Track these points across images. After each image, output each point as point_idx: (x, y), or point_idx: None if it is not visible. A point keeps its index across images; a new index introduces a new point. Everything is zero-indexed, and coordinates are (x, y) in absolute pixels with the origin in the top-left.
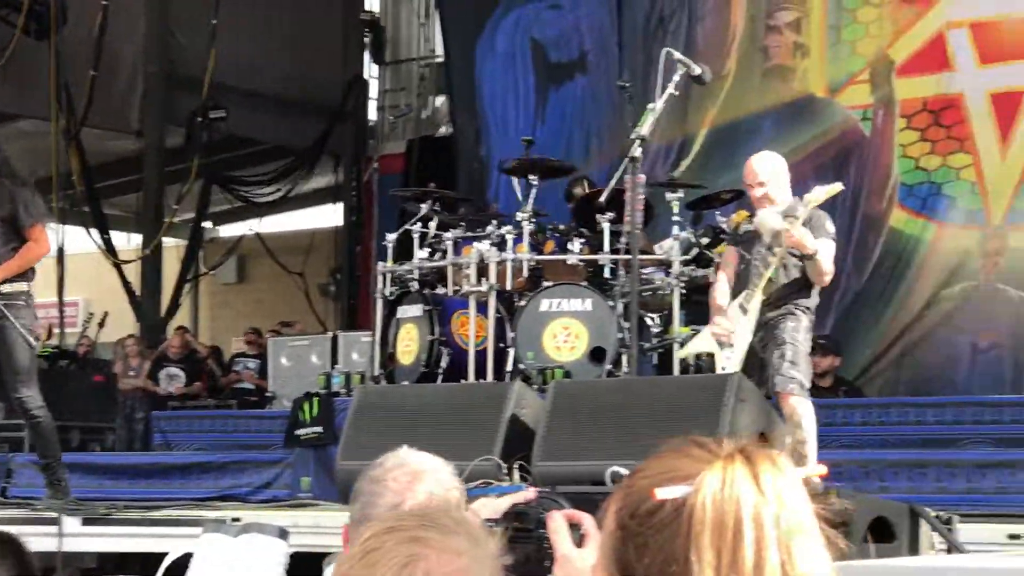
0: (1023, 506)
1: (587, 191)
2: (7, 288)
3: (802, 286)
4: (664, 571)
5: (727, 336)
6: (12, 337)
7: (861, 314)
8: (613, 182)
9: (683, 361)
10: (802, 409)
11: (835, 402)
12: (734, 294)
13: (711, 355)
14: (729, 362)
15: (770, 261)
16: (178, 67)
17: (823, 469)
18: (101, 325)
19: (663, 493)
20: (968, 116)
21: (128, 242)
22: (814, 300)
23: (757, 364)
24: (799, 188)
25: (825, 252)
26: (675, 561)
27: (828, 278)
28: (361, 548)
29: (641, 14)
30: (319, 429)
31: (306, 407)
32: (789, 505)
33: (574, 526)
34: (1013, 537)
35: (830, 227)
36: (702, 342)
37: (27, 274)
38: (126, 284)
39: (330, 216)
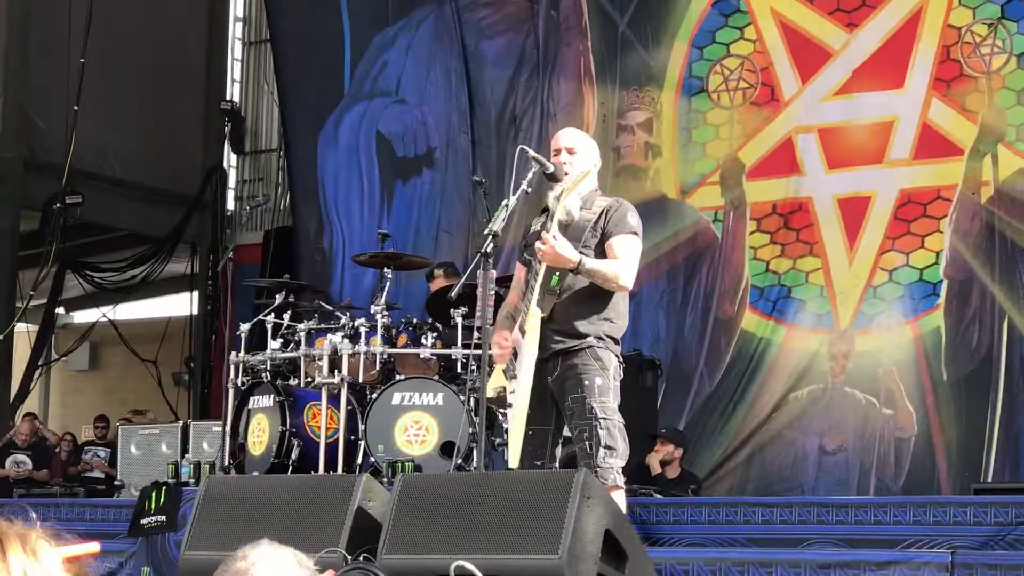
0: None
1: (447, 277)
2: None
3: (597, 299)
4: None
5: (504, 354)
6: None
7: (712, 415)
8: (465, 277)
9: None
10: (621, 504)
11: (683, 501)
12: None
13: (503, 389)
14: (515, 396)
15: (538, 272)
16: (35, 152)
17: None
18: None
19: None
20: (817, 220)
21: None
22: (620, 321)
23: (548, 401)
24: (652, 288)
25: (619, 252)
26: None
27: (625, 283)
28: None
29: (493, 111)
30: (162, 517)
31: (153, 496)
32: None
33: None
34: None
35: (632, 220)
36: (494, 379)
37: None
38: None
39: (185, 304)
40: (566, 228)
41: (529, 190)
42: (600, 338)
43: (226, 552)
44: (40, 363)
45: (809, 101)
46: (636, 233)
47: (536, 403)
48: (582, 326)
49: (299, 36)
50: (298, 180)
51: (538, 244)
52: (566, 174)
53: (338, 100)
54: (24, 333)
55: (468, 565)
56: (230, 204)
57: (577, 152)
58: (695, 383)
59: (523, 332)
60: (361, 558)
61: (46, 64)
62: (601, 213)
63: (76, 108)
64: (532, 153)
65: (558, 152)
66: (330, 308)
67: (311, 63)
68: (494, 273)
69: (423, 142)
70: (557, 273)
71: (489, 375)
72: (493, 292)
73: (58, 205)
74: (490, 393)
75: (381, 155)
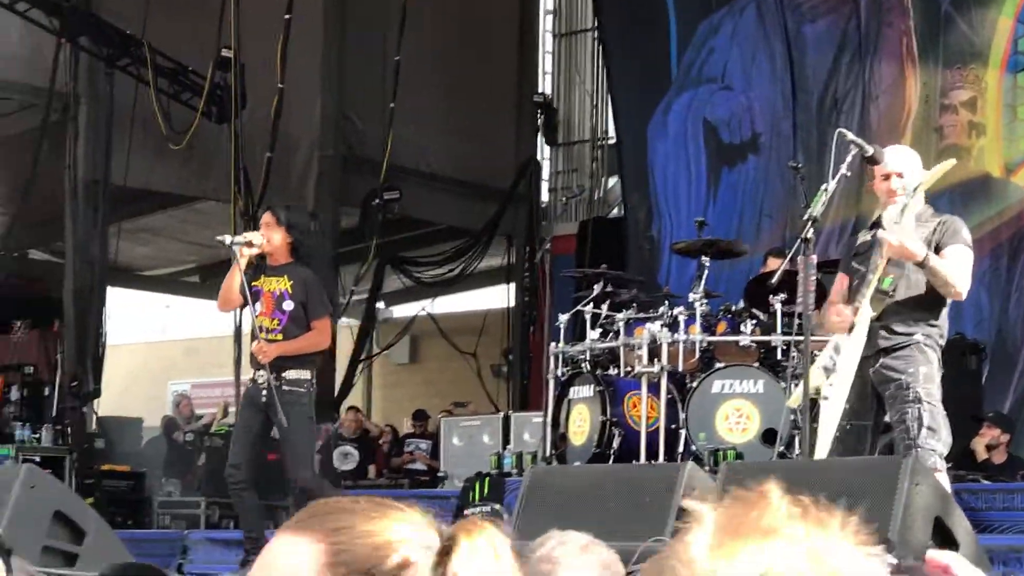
0: None
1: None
2: (292, 375)
3: (929, 304)
4: None
5: (844, 324)
6: (302, 421)
7: None
8: (786, 263)
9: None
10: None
11: (1013, 486)
12: None
13: (817, 392)
14: (832, 391)
15: (877, 267)
16: (354, 149)
17: None
18: None
19: None
20: None
21: None
22: (943, 324)
23: (869, 395)
24: (975, 267)
25: (956, 260)
26: None
27: (961, 290)
28: None
29: (815, 95)
30: (487, 508)
31: (477, 487)
32: None
33: None
34: None
35: (965, 234)
36: (811, 378)
37: (306, 362)
38: None
39: (502, 297)
40: (880, 242)
41: (848, 174)
42: (928, 336)
43: None
44: (362, 357)
45: None
46: (969, 246)
47: (856, 399)
48: (911, 327)
49: (626, 27)
50: (628, 169)
51: (883, 234)
52: (895, 202)
53: (665, 89)
54: (347, 328)
55: None
56: (544, 196)
57: (905, 175)
58: (1020, 364)
59: (848, 331)
60: None
61: (362, 64)
62: (936, 226)
63: (392, 105)
64: (851, 136)
65: (887, 177)
66: (648, 297)
67: (638, 53)
68: (815, 258)
69: (748, 128)
70: (892, 275)
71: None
72: (814, 277)
73: (376, 201)
74: (795, 400)
75: (708, 142)
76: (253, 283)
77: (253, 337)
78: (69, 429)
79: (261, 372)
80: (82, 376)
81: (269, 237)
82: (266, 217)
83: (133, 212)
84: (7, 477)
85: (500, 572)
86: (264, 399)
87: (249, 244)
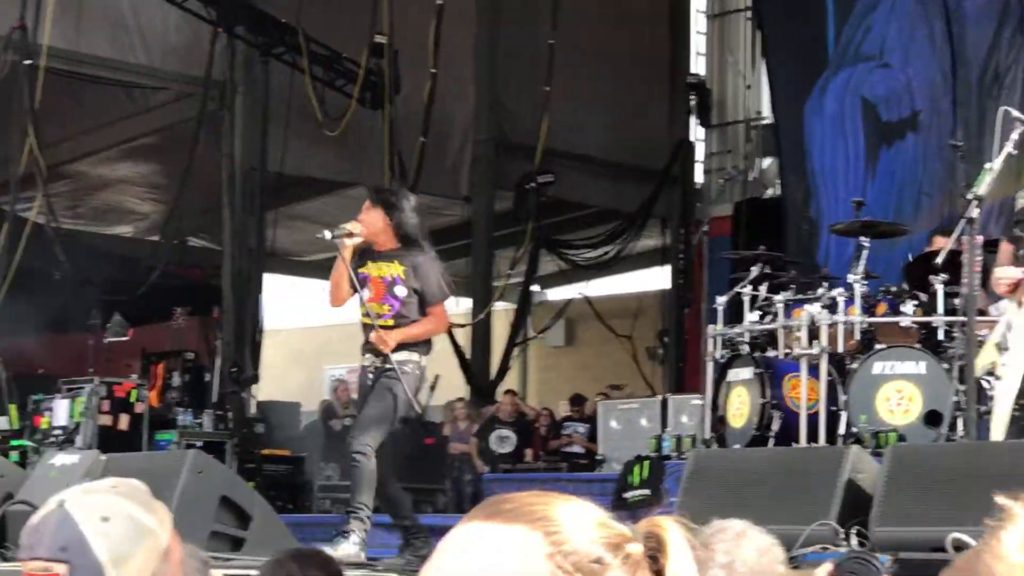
0: None
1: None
2: (400, 356)
3: None
4: None
5: (1010, 281)
6: (384, 394)
7: None
8: (950, 243)
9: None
10: None
11: None
12: None
13: (991, 370)
14: (1006, 369)
15: None
16: (508, 134)
17: None
18: (432, 388)
19: None
20: None
21: (456, 305)
22: None
23: None
24: None
25: None
26: None
27: None
28: None
29: (975, 71)
30: (647, 492)
31: (636, 470)
32: None
33: None
34: None
35: None
36: (986, 352)
37: (417, 345)
38: (457, 348)
39: (656, 279)
40: None
41: (1015, 152)
42: None
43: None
44: (518, 340)
45: None
46: None
47: None
48: None
49: (782, 6)
50: (785, 149)
51: None
52: None
53: (823, 68)
54: (502, 311)
55: (965, 537)
56: (698, 177)
57: None
58: None
59: (1020, 304)
60: (854, 532)
61: (515, 48)
62: None
63: (547, 89)
64: (1016, 113)
65: None
66: (806, 278)
67: (795, 32)
68: (980, 239)
69: (907, 105)
70: None
71: (980, 347)
72: (979, 257)
73: (531, 185)
74: (979, 371)
75: (866, 121)
76: (359, 269)
77: (365, 326)
78: (230, 414)
79: (368, 356)
80: (241, 362)
81: (368, 222)
82: (365, 204)
83: (289, 199)
84: (175, 462)
85: (694, 569)
86: (371, 382)
87: (350, 235)
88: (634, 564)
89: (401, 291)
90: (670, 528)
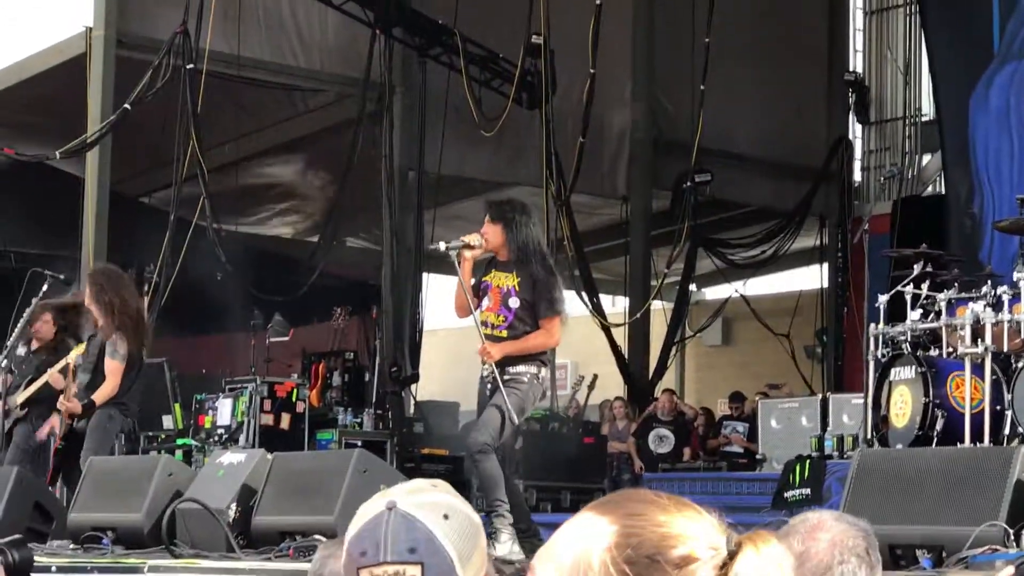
0: None
1: None
2: (516, 369)
3: None
4: None
5: None
6: (499, 406)
7: None
8: None
9: None
10: None
11: None
12: None
13: None
14: None
15: None
16: (664, 132)
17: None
18: (591, 388)
19: None
20: None
21: (612, 305)
22: None
23: None
24: None
25: None
26: None
27: None
28: None
29: None
30: (807, 491)
31: (797, 469)
32: None
33: None
34: None
35: None
36: None
37: (533, 359)
38: (615, 347)
39: (814, 277)
40: None
41: None
42: None
43: (881, 525)
44: (676, 339)
45: None
46: None
47: None
48: None
49: (947, 2)
50: (949, 145)
51: None
52: None
53: (988, 61)
54: (660, 310)
55: None
56: (857, 175)
57: None
58: None
59: None
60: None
61: (671, 47)
62: None
63: (703, 87)
64: None
65: None
66: (970, 277)
67: (959, 26)
68: None
69: None
70: None
71: None
72: None
73: (688, 184)
74: None
75: None
76: (485, 277)
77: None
78: (389, 413)
79: (486, 366)
80: (400, 361)
81: (488, 236)
82: (485, 218)
83: (447, 199)
84: (340, 461)
85: None
86: (489, 392)
87: (468, 247)
88: (695, 568)
89: (515, 303)
90: (758, 542)
